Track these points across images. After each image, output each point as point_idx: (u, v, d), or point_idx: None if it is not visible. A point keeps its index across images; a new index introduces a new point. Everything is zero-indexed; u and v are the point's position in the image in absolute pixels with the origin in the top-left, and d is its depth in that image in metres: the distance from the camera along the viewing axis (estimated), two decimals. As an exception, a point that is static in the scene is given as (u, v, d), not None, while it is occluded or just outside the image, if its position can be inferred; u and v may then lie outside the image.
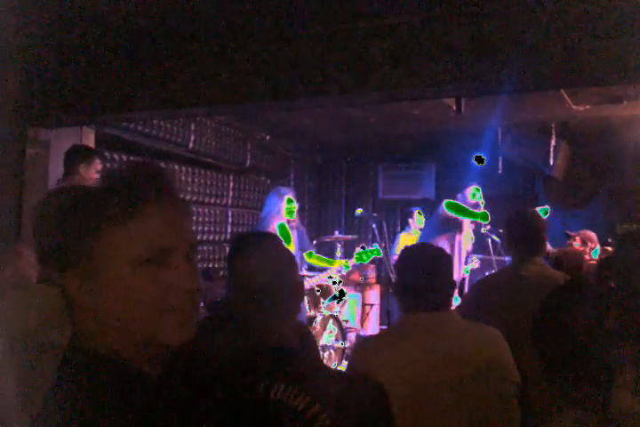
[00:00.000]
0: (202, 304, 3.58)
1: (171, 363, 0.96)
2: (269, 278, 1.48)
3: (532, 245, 2.52)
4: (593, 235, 3.87)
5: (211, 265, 5.18)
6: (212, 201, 5.18)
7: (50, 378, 0.83)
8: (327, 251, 6.16)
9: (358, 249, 4.79)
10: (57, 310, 1.18)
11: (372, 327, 5.61)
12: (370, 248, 4.76)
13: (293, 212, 4.55)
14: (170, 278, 0.83)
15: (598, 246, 3.89)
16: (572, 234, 3.80)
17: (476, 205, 4.84)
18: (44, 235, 0.84)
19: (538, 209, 4.14)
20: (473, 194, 4.90)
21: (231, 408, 1.28)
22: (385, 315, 5.47)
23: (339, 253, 5.66)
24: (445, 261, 1.95)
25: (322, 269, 4.79)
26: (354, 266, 4.95)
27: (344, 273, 4.86)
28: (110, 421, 0.77)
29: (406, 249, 2.23)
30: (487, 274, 3.86)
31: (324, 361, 4.15)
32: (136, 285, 0.81)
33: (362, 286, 5.71)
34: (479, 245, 5.10)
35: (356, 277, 5.70)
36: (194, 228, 4.80)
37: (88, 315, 0.83)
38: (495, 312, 2.33)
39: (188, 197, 4.83)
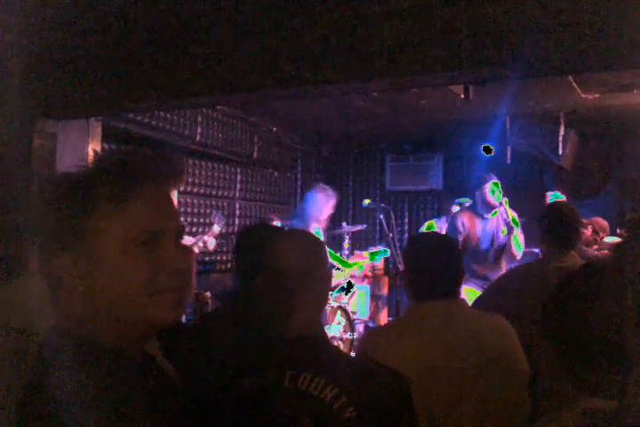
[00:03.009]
0: (209, 295, 3.60)
1: (189, 353, 0.97)
2: (303, 267, 1.45)
3: (565, 238, 2.55)
4: (605, 224, 3.80)
5: (219, 258, 5.18)
6: (220, 193, 5.18)
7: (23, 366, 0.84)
8: (336, 242, 6.16)
9: (372, 249, 4.89)
10: (42, 301, 1.18)
11: (381, 319, 5.61)
12: (379, 249, 4.87)
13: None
14: (162, 259, 0.84)
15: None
16: (585, 222, 3.69)
17: (495, 206, 4.27)
18: (38, 218, 0.85)
19: (550, 194, 3.99)
20: (492, 191, 4.32)
21: (259, 395, 1.30)
22: (393, 306, 5.47)
23: (347, 245, 5.66)
24: (454, 248, 1.95)
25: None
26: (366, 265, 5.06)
27: (359, 275, 4.94)
28: (99, 403, 0.78)
29: (414, 237, 2.22)
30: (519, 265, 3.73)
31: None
32: (129, 265, 0.83)
33: (370, 278, 5.71)
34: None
35: (365, 269, 5.71)
36: (202, 220, 4.83)
37: (77, 297, 0.84)
38: (516, 304, 2.32)
39: (195, 190, 4.84)
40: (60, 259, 0.84)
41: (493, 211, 4.33)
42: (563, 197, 4.36)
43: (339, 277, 4.79)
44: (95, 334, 0.84)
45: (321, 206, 4.53)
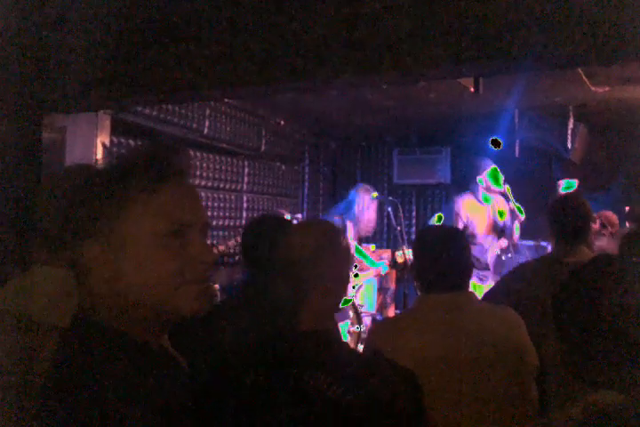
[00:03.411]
0: (217, 287, 3.61)
1: (196, 345, 0.98)
2: (311, 259, 1.41)
3: (576, 233, 2.47)
4: (614, 217, 3.77)
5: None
6: (227, 186, 5.18)
7: (49, 359, 0.85)
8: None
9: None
10: (59, 293, 1.19)
11: (389, 311, 5.62)
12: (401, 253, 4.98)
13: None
14: (189, 251, 0.86)
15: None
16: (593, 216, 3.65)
17: (496, 192, 4.33)
18: (65, 206, 0.86)
19: (563, 182, 4.01)
20: (492, 176, 4.33)
21: (263, 391, 1.28)
22: (401, 299, 5.48)
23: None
24: (463, 241, 1.95)
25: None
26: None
27: (383, 274, 4.98)
28: (121, 393, 0.78)
29: (422, 230, 2.23)
30: (529, 259, 3.73)
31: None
32: (158, 256, 0.85)
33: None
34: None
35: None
36: (209, 213, 4.85)
37: (104, 286, 0.85)
38: (527, 299, 2.29)
39: (203, 183, 4.84)
40: (89, 248, 0.85)
41: (494, 197, 4.36)
42: (575, 185, 4.38)
43: (365, 277, 4.82)
44: (120, 324, 0.85)
45: (362, 208, 4.56)
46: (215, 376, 1.25)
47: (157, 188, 0.86)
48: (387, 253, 5.95)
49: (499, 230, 4.35)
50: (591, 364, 1.05)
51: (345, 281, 1.51)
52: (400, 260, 4.97)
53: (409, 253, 4.59)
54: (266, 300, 1.66)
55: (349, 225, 4.50)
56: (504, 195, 4.35)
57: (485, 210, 4.38)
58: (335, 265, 1.44)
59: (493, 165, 4.39)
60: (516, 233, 4.35)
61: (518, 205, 4.29)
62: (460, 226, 4.25)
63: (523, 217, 4.28)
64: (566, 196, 3.09)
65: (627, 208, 4.58)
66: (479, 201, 4.41)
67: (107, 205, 0.84)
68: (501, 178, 4.37)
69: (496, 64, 1.92)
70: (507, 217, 4.36)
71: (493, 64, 1.91)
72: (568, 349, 1.09)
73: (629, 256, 1.03)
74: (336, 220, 4.40)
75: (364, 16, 1.98)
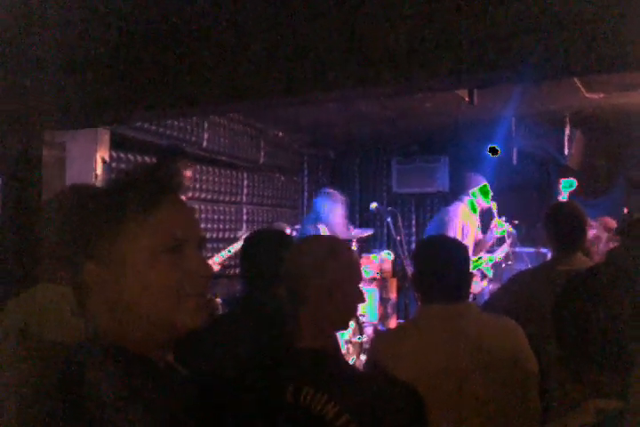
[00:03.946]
0: (219, 300, 3.61)
1: (198, 356, 0.99)
2: (312, 275, 1.38)
3: (572, 240, 2.50)
4: (612, 223, 3.79)
5: (228, 262, 5.19)
6: (227, 199, 5.20)
7: (45, 373, 0.86)
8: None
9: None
10: (63, 309, 1.20)
11: (390, 321, 5.61)
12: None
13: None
14: (187, 265, 0.88)
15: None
16: (592, 222, 3.69)
17: (484, 207, 4.61)
18: (63, 228, 0.88)
19: (563, 181, 4.20)
20: (484, 193, 4.59)
21: (259, 408, 1.28)
22: (402, 309, 5.47)
23: (354, 248, 5.66)
24: (462, 251, 1.95)
25: None
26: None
27: (367, 277, 5.05)
28: (126, 411, 0.79)
29: (422, 241, 2.24)
30: (527, 267, 3.85)
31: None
32: (157, 271, 0.86)
33: (379, 281, 5.70)
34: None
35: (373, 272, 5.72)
36: (210, 226, 4.86)
37: (106, 303, 0.87)
38: (525, 307, 2.31)
39: (203, 196, 4.86)
40: (90, 268, 0.86)
41: (479, 209, 4.64)
42: (575, 184, 4.57)
43: None
44: (124, 342, 0.86)
45: (327, 213, 4.59)
46: (213, 388, 1.25)
47: (153, 207, 0.88)
48: (388, 264, 5.96)
49: (476, 240, 4.64)
50: (590, 371, 1.06)
51: (350, 294, 1.47)
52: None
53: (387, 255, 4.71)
54: (265, 311, 1.66)
55: (325, 232, 4.53)
56: (489, 210, 4.64)
57: (475, 220, 4.60)
58: (336, 275, 1.42)
59: (485, 182, 4.64)
60: (494, 244, 4.68)
61: (500, 220, 4.61)
62: (463, 230, 4.43)
63: (508, 228, 4.59)
64: (561, 204, 3.15)
65: (625, 210, 4.68)
66: (469, 211, 4.61)
67: (104, 227, 0.86)
68: (490, 195, 4.61)
69: (492, 75, 1.93)
70: (479, 232, 4.69)
71: (492, 75, 1.92)
72: (568, 357, 1.09)
73: (618, 266, 1.05)
74: (310, 229, 4.44)
75: (363, 29, 2.01)
